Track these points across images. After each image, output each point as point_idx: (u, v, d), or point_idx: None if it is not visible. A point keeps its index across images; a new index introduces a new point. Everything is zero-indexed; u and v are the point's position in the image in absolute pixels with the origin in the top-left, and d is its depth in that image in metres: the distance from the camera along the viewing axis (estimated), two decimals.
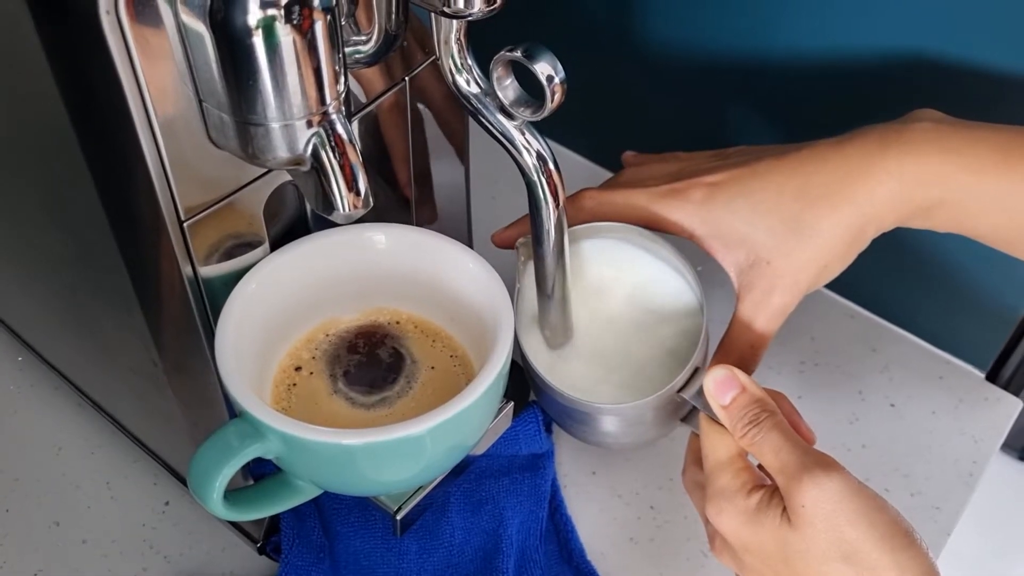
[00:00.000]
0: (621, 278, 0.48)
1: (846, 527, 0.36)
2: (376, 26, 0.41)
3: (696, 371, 0.43)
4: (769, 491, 0.39)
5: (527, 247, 0.46)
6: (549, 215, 0.42)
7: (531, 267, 0.45)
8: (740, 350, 0.45)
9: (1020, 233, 0.43)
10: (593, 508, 0.53)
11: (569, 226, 0.43)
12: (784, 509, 0.38)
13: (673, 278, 0.48)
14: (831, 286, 0.65)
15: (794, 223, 0.43)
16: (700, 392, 0.42)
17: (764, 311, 0.44)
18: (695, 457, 0.44)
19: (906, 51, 0.52)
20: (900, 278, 0.62)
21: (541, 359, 0.46)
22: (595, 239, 0.48)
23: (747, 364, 0.45)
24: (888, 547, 0.36)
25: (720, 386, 0.41)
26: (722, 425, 0.41)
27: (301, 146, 0.34)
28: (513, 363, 0.41)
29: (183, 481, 0.51)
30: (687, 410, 0.46)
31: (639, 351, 0.47)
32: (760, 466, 0.40)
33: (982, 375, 0.61)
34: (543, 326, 0.46)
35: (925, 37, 0.51)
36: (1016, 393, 0.60)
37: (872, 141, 0.43)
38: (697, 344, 0.45)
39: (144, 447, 0.53)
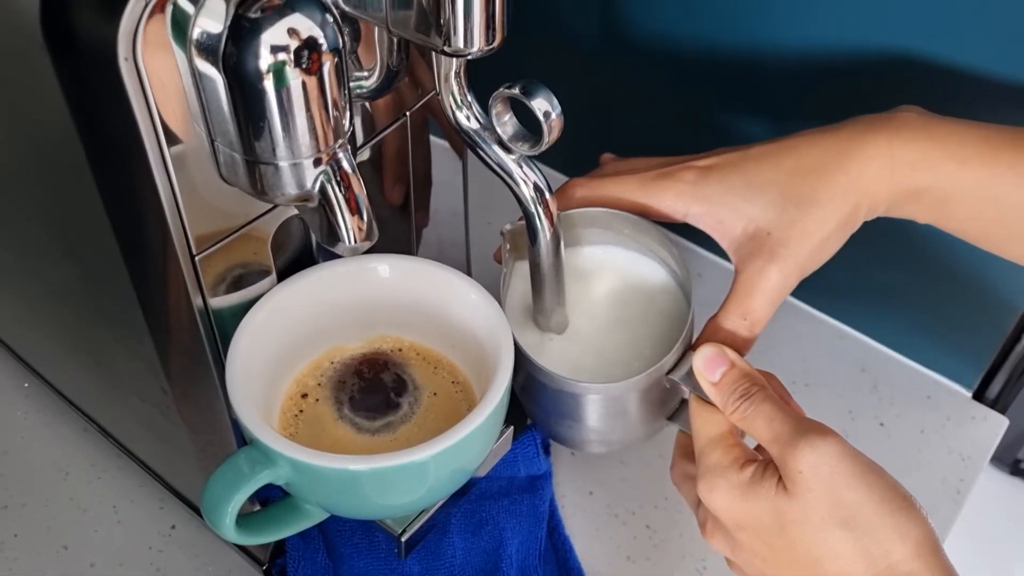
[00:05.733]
0: (609, 266, 0.49)
1: (844, 490, 0.36)
2: (378, 62, 0.42)
3: (684, 354, 0.44)
4: (763, 464, 0.38)
5: (512, 234, 0.47)
6: (547, 243, 0.43)
7: (517, 256, 0.46)
8: (734, 328, 0.44)
9: (998, 225, 0.44)
10: (591, 527, 0.54)
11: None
12: (779, 479, 0.37)
13: (661, 263, 0.49)
14: (821, 308, 0.66)
15: (793, 195, 0.43)
16: (689, 373, 0.42)
17: (762, 285, 0.43)
18: (683, 452, 0.44)
19: (893, 51, 0.53)
20: (888, 300, 0.63)
21: (529, 345, 0.46)
22: (585, 228, 0.49)
23: (740, 345, 0.44)
24: (887, 509, 0.36)
25: (709, 363, 0.41)
26: (712, 404, 0.41)
27: (309, 183, 0.36)
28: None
29: (189, 505, 0.52)
30: (674, 407, 0.47)
31: (626, 338, 0.47)
32: (757, 448, 0.40)
33: (969, 394, 0.62)
34: (538, 324, 0.47)
35: (913, 37, 0.52)
36: (1002, 411, 0.62)
37: (862, 124, 0.44)
38: (684, 327, 0.45)
39: (151, 471, 0.54)
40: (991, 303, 0.59)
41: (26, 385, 0.60)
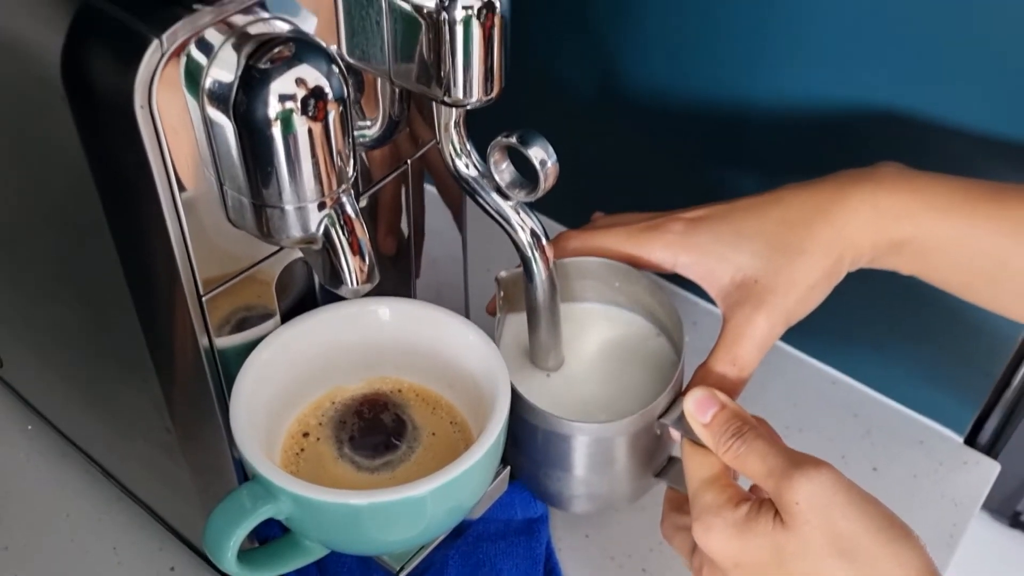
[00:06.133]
0: (601, 319, 0.50)
1: (842, 520, 0.36)
2: (380, 112, 0.44)
3: (675, 400, 0.44)
4: (758, 502, 0.39)
5: (506, 281, 0.48)
6: (543, 285, 0.45)
7: (510, 304, 0.47)
8: (722, 374, 0.45)
9: (978, 275, 0.45)
10: (586, 571, 0.54)
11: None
12: (775, 514, 0.38)
13: (651, 315, 0.50)
14: (813, 354, 0.67)
15: (779, 245, 0.45)
16: (681, 417, 0.43)
17: (750, 331, 0.44)
18: (673, 505, 0.45)
19: (876, 107, 0.55)
20: (880, 346, 0.64)
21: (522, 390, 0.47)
22: (577, 280, 0.50)
23: (729, 389, 0.44)
24: (886, 538, 0.36)
25: (700, 405, 0.41)
26: (704, 447, 0.41)
27: (314, 227, 0.37)
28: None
29: (189, 545, 0.53)
30: (662, 464, 0.48)
31: (618, 388, 0.48)
32: (751, 489, 0.41)
33: (960, 439, 0.63)
34: (535, 362, 0.48)
35: (894, 94, 0.54)
36: (995, 457, 0.62)
37: (845, 178, 0.46)
38: (675, 374, 0.46)
39: (151, 512, 0.54)
40: (980, 350, 0.60)
41: (29, 427, 0.60)
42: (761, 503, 0.39)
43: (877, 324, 0.63)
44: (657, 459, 0.49)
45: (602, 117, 0.67)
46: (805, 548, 0.37)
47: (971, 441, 0.63)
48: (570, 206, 0.59)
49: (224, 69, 0.33)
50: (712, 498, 0.40)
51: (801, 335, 0.67)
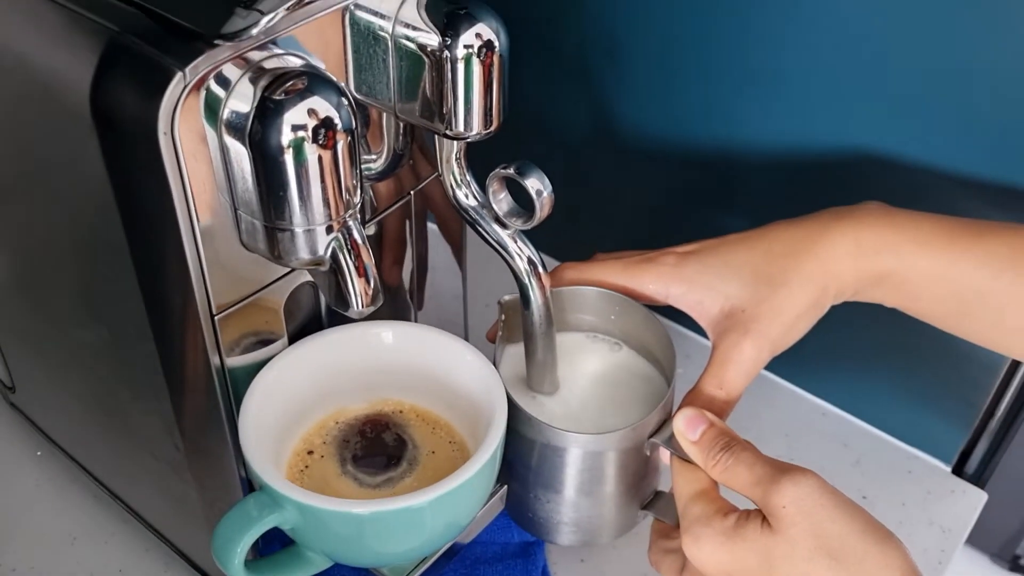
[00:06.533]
0: (595, 350, 0.52)
1: (828, 522, 0.38)
2: (385, 146, 0.47)
3: (665, 422, 0.46)
4: (745, 512, 0.40)
5: (508, 306, 0.50)
6: (539, 310, 0.47)
7: (510, 329, 0.49)
8: (710, 397, 0.46)
9: (958, 306, 0.47)
10: None
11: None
12: (763, 520, 0.39)
13: (643, 346, 0.52)
14: (805, 386, 0.69)
15: (765, 276, 0.47)
16: (671, 437, 0.44)
17: (736, 357, 0.46)
18: (660, 533, 0.47)
19: (858, 151, 0.57)
20: (869, 378, 0.66)
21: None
22: (573, 313, 0.52)
23: (716, 412, 0.46)
24: (872, 539, 0.38)
25: (689, 423, 0.43)
26: (693, 464, 0.43)
27: (322, 249, 0.39)
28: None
29: (195, 567, 0.54)
30: (649, 496, 0.49)
31: (609, 410, 0.50)
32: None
33: (948, 469, 0.64)
34: (531, 386, 0.50)
35: (875, 137, 0.56)
36: (982, 486, 0.64)
37: (829, 215, 0.48)
38: (665, 393, 0.48)
39: (157, 534, 0.56)
40: (966, 381, 0.62)
41: (39, 453, 0.62)
42: (749, 513, 0.40)
43: (867, 357, 0.65)
44: (644, 489, 0.50)
45: (597, 159, 0.70)
46: (793, 550, 0.38)
47: (959, 471, 0.65)
48: (566, 245, 0.62)
49: (241, 100, 0.36)
50: (701, 510, 0.41)
51: (793, 368, 0.69)
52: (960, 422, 0.64)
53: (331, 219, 0.38)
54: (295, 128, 0.36)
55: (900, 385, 0.65)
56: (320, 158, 0.37)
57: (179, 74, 0.34)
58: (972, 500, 0.63)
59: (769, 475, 0.40)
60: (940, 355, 0.61)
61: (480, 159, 0.46)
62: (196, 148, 0.36)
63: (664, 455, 0.48)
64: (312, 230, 0.38)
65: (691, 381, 0.49)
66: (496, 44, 0.40)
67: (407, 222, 0.50)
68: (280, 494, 0.38)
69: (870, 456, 0.65)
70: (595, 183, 0.71)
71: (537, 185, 0.43)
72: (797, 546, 0.38)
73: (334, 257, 0.40)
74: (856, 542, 0.38)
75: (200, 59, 0.35)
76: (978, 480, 0.64)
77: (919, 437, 0.65)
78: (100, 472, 0.58)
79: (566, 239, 0.61)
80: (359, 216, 0.40)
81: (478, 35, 0.40)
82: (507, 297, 0.50)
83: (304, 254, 0.39)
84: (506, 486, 0.48)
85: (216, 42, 0.35)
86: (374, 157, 0.47)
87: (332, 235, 0.39)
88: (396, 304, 0.53)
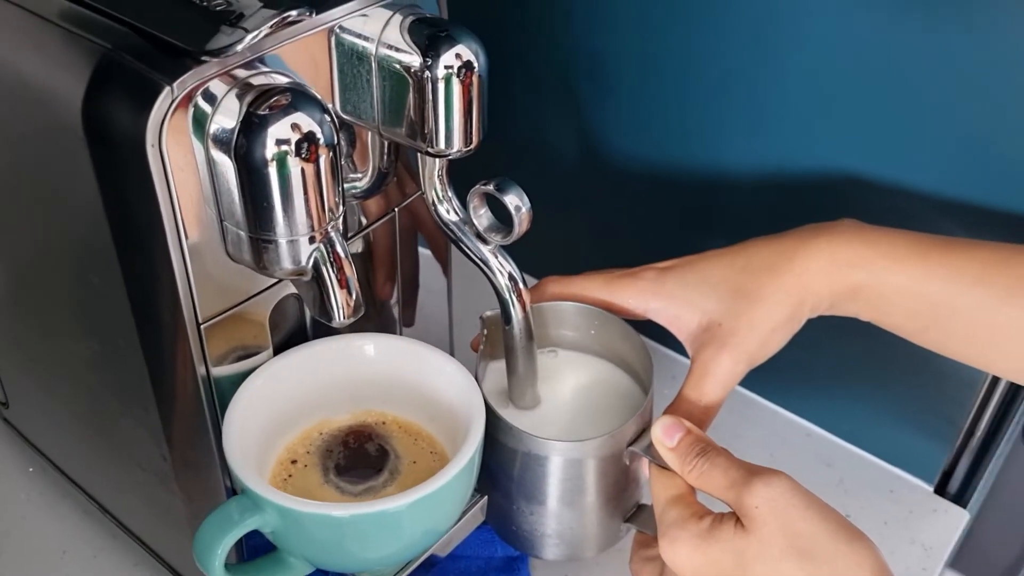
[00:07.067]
0: (577, 365, 0.54)
1: (799, 521, 0.39)
2: (370, 165, 0.48)
3: (644, 431, 0.47)
4: (720, 515, 0.41)
5: (490, 320, 0.51)
6: (519, 325, 0.48)
7: (493, 344, 0.50)
8: (689, 408, 0.47)
9: (931, 320, 0.48)
10: None
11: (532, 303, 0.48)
12: (736, 521, 0.40)
13: (622, 361, 0.53)
14: (789, 407, 0.70)
15: (742, 291, 0.48)
16: (649, 446, 0.45)
17: (714, 369, 0.47)
18: (640, 543, 0.48)
19: (835, 173, 0.59)
20: (852, 398, 0.67)
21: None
22: (555, 329, 0.53)
23: (695, 422, 0.46)
24: (843, 538, 0.38)
25: (667, 430, 0.44)
26: (670, 471, 0.44)
27: (304, 259, 0.40)
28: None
29: None
30: (631, 509, 0.50)
31: (588, 423, 0.51)
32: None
33: (930, 488, 0.65)
34: (512, 400, 0.51)
35: (852, 160, 0.58)
36: (964, 506, 0.64)
37: (805, 231, 0.49)
38: (644, 401, 0.48)
39: (146, 547, 0.57)
40: (947, 401, 0.63)
41: (31, 470, 0.63)
42: (723, 516, 0.41)
43: (851, 378, 0.66)
44: (626, 502, 0.51)
45: (583, 183, 0.72)
46: (765, 550, 0.39)
47: (940, 490, 0.65)
48: (551, 265, 0.63)
49: (227, 115, 0.37)
50: (677, 514, 0.42)
51: (778, 389, 0.70)
52: (942, 441, 0.64)
53: (313, 230, 0.40)
54: (279, 142, 0.37)
55: (883, 405, 0.66)
56: (303, 171, 0.38)
57: (167, 89, 0.36)
58: (954, 519, 0.63)
59: (742, 477, 0.41)
60: (920, 374, 0.62)
61: (467, 181, 0.47)
62: (183, 161, 0.38)
63: (645, 468, 0.49)
64: (295, 240, 0.40)
65: (671, 398, 0.50)
66: (475, 65, 0.42)
67: (393, 238, 0.51)
68: (261, 497, 0.39)
69: (853, 476, 0.65)
70: (580, 205, 0.73)
71: (516, 201, 0.45)
72: (769, 545, 0.39)
73: (316, 269, 0.41)
74: (827, 541, 0.38)
75: (187, 75, 0.36)
76: (960, 499, 0.65)
77: (902, 457, 0.66)
78: (90, 486, 0.59)
79: (550, 260, 0.62)
80: (341, 229, 0.41)
81: (458, 56, 0.41)
82: (489, 312, 0.51)
83: (287, 264, 0.40)
84: (486, 497, 0.49)
85: (203, 58, 0.37)
86: (360, 175, 0.48)
87: (314, 246, 0.40)
88: (383, 320, 0.54)
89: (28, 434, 0.62)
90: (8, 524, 0.60)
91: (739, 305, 0.49)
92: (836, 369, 0.66)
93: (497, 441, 0.47)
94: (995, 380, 0.60)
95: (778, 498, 0.39)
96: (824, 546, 0.38)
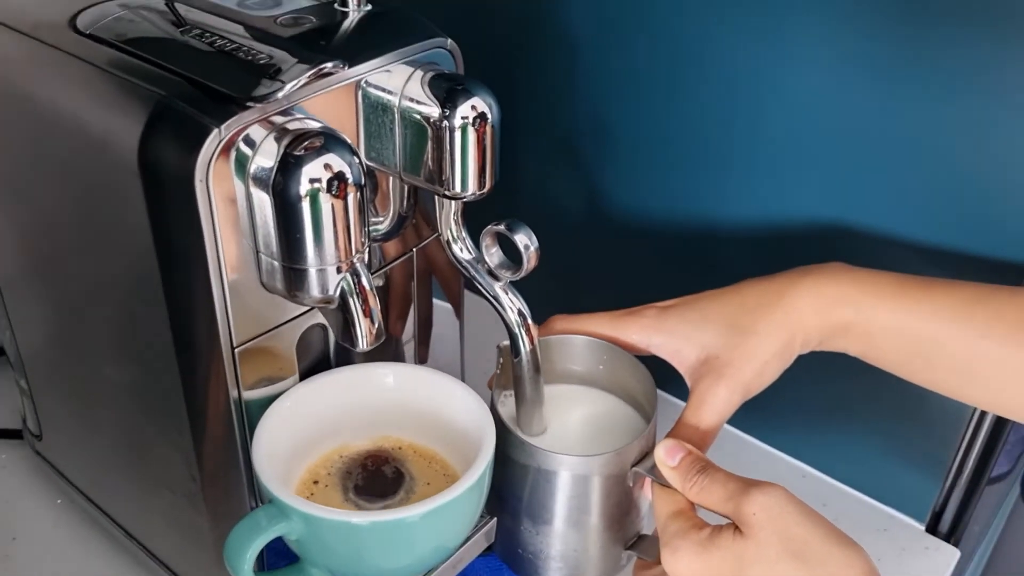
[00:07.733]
0: (583, 399, 0.57)
1: (794, 527, 0.42)
2: (391, 209, 0.52)
3: (648, 454, 0.51)
4: (719, 526, 0.44)
5: (506, 350, 0.54)
6: (527, 357, 0.52)
7: (508, 368, 0.53)
8: (689, 433, 0.51)
9: (915, 356, 0.51)
10: None
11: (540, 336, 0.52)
12: (735, 529, 0.43)
13: (628, 395, 0.56)
14: (786, 450, 0.73)
15: (737, 326, 0.52)
16: (653, 466, 0.49)
17: (712, 399, 0.51)
18: (641, 567, 0.51)
19: (823, 222, 0.63)
20: (847, 442, 0.70)
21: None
22: (563, 364, 0.57)
23: (694, 446, 0.49)
24: (835, 543, 0.42)
25: (669, 451, 0.48)
26: (672, 488, 0.47)
27: (332, 287, 0.44)
28: None
29: None
30: (632, 538, 0.53)
31: (593, 450, 0.53)
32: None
33: (922, 527, 0.67)
34: (520, 427, 0.54)
35: (839, 209, 0.62)
36: (956, 544, 0.67)
37: (796, 271, 0.53)
38: (647, 426, 0.52)
39: (170, 572, 0.59)
40: (934, 441, 0.66)
41: (59, 502, 0.66)
42: (722, 526, 0.44)
43: (845, 420, 0.69)
44: (628, 528, 0.54)
45: (588, 231, 0.76)
46: (762, 553, 0.42)
47: (932, 529, 0.68)
48: (558, 309, 0.67)
49: (266, 157, 0.41)
50: (678, 526, 0.45)
51: (775, 432, 0.73)
52: (932, 480, 0.67)
53: (341, 260, 0.44)
54: (312, 180, 0.41)
55: (876, 446, 0.68)
56: (333, 206, 0.42)
57: (215, 131, 0.40)
58: (946, 557, 0.66)
59: (740, 488, 0.44)
60: (910, 416, 0.65)
61: (478, 227, 0.51)
62: (225, 198, 0.42)
63: (647, 495, 0.52)
64: (324, 269, 0.44)
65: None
66: (489, 116, 0.46)
67: (409, 277, 0.55)
68: (287, 505, 0.43)
69: (847, 515, 0.68)
70: (585, 253, 0.77)
71: (525, 240, 0.49)
72: (766, 548, 0.42)
73: (343, 298, 0.45)
74: (820, 545, 0.42)
75: (233, 119, 0.41)
76: (951, 537, 0.67)
77: (894, 496, 0.68)
78: (117, 513, 0.61)
79: (558, 303, 0.66)
80: (366, 262, 0.45)
81: (473, 107, 0.46)
82: (505, 343, 0.55)
83: (316, 292, 0.44)
84: (495, 519, 0.52)
85: (248, 104, 0.41)
86: (381, 219, 0.52)
87: (342, 275, 0.44)
88: (398, 357, 0.57)
89: (58, 464, 0.65)
90: (35, 552, 0.62)
91: (734, 339, 0.52)
92: (831, 412, 0.69)
93: (508, 458, 0.50)
94: (981, 419, 0.63)
95: (774, 506, 0.42)
96: (817, 549, 0.41)
